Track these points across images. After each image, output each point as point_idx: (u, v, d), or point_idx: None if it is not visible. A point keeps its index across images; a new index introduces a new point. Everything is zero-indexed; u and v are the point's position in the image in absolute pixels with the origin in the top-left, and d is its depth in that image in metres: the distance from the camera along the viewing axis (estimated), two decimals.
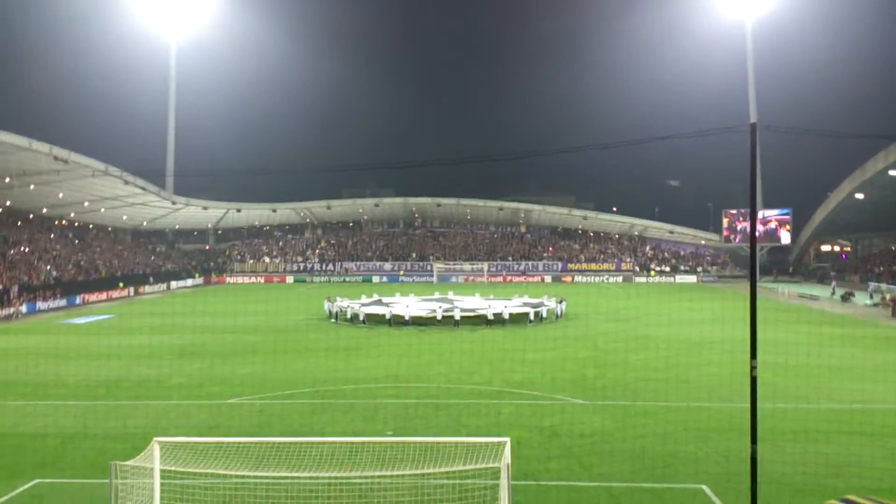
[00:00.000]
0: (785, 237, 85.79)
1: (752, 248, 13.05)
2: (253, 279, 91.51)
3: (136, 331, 40.14)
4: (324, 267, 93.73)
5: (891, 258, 73.63)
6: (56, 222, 79.16)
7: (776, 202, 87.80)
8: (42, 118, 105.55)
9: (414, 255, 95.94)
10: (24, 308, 50.66)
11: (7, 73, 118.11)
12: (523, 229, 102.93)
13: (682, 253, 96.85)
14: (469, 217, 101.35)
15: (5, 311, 49.14)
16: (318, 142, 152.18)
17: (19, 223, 72.27)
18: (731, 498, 13.64)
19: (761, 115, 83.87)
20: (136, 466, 11.92)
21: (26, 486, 14.70)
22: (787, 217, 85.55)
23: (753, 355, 11.76)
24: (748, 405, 11.77)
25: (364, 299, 49.21)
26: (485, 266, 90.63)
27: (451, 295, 53.83)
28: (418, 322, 41.42)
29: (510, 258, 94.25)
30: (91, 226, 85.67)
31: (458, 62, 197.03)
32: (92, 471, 15.31)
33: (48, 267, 62.53)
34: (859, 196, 66.92)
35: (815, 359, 27.99)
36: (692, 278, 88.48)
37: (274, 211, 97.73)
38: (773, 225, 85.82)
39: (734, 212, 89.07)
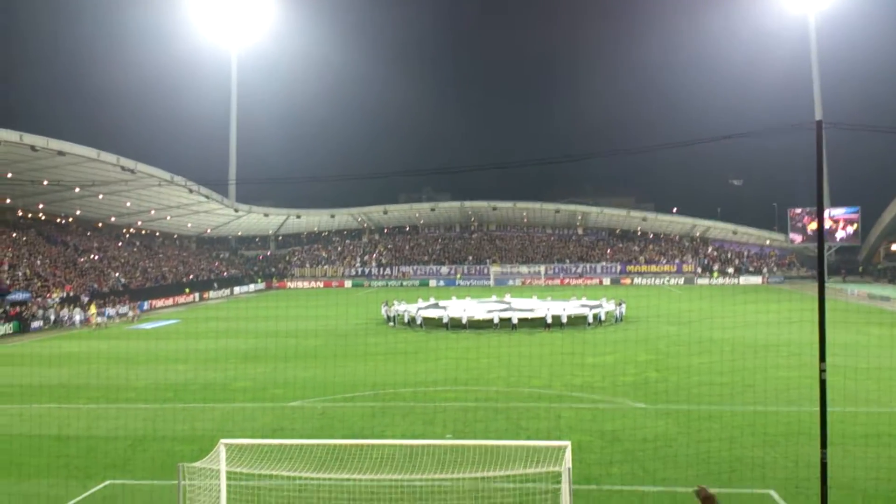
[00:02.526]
0: (852, 236, 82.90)
1: (820, 247, 12.68)
2: (312, 284, 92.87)
3: (202, 335, 41.18)
4: (381, 271, 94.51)
5: None
6: (124, 230, 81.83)
7: (844, 200, 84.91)
8: (110, 130, 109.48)
9: (470, 258, 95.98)
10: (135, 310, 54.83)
11: (76, 86, 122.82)
12: (581, 231, 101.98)
13: (746, 254, 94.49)
14: (525, 220, 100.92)
15: (128, 313, 53.79)
16: (374, 147, 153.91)
17: (89, 232, 74.97)
18: (800, 503, 13.26)
19: (826, 112, 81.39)
20: (203, 468, 12.21)
21: (98, 487, 15.22)
22: (856, 216, 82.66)
23: (823, 358, 11.42)
24: (816, 409, 11.44)
25: (421, 303, 49.46)
26: (542, 269, 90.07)
27: (507, 297, 53.68)
28: (476, 325, 41.41)
29: (567, 260, 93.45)
30: (157, 233, 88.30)
31: (514, 65, 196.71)
32: (161, 472, 15.77)
33: (117, 274, 64.66)
34: None
35: (886, 361, 27.01)
36: (757, 279, 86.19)
37: (332, 217, 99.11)
38: (840, 224, 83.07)
39: (800, 211, 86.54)
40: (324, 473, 12.90)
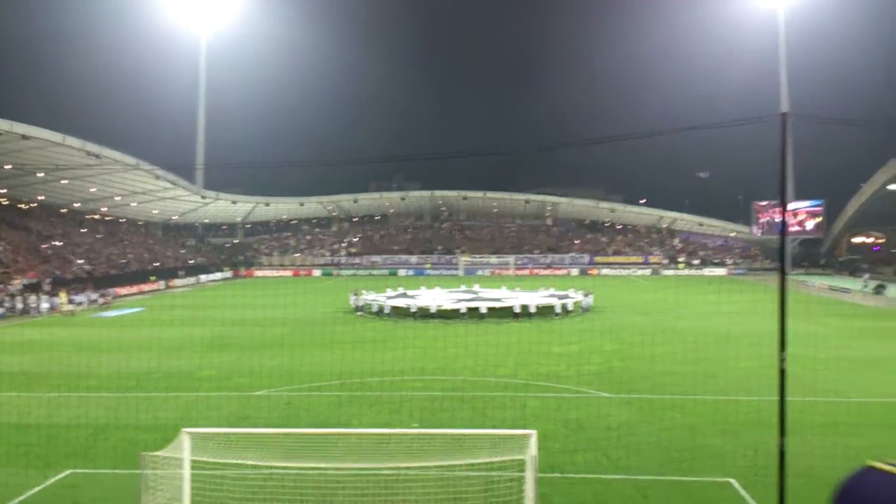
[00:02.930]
0: (815, 229, 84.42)
1: (783, 240, 12.91)
2: (280, 273, 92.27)
3: (166, 323, 40.71)
4: (350, 260, 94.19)
5: None
6: (88, 217, 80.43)
7: (808, 194, 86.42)
8: (75, 114, 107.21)
9: (440, 248, 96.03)
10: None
11: (40, 70, 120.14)
12: (550, 222, 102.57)
13: (711, 245, 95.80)
14: (495, 210, 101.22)
15: (98, 300, 53.36)
16: (344, 136, 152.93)
17: (52, 218, 73.58)
18: (759, 491, 13.52)
19: (793, 106, 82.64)
20: (166, 457, 12.10)
21: (59, 477, 15.01)
22: (819, 209, 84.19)
23: (783, 348, 11.64)
24: (776, 398, 11.64)
25: (389, 292, 49.40)
26: (511, 259, 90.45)
27: (476, 287, 53.84)
28: (444, 315, 41.49)
29: (536, 251, 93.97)
30: (122, 220, 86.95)
31: (484, 55, 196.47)
32: (123, 461, 15.59)
33: (80, 261, 63.58)
34: (893, 187, 65.69)
35: (845, 352, 27.66)
36: (722, 271, 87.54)
37: (301, 205, 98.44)
38: (803, 217, 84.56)
39: (764, 203, 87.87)
40: (289, 463, 12.84)
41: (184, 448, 12.01)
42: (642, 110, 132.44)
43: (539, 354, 28.62)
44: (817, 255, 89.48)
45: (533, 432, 11.77)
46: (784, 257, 12.71)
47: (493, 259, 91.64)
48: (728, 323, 36.97)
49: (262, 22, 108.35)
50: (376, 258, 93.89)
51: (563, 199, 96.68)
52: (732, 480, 14.28)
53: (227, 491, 13.14)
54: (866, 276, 66.00)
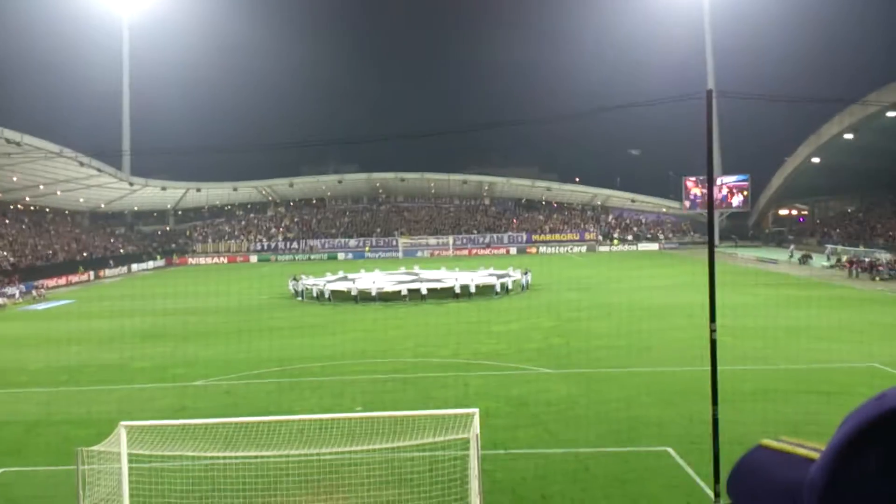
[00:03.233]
0: (742, 203, 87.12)
1: (710, 214, 13.27)
2: (216, 259, 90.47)
3: (97, 315, 39.53)
4: (288, 245, 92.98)
5: (847, 220, 75.39)
6: (11, 206, 77.24)
7: (735, 169, 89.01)
8: None
9: (379, 230, 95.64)
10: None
11: None
12: (487, 202, 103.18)
13: (643, 221, 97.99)
14: (433, 191, 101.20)
15: (32, 293, 52.07)
16: (277, 118, 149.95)
17: None
18: (695, 459, 13.99)
19: (719, 84, 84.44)
20: (103, 451, 11.82)
21: None
22: (746, 183, 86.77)
23: (713, 319, 12.00)
24: (709, 368, 12.03)
25: (329, 276, 49.02)
26: (450, 240, 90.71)
27: (416, 269, 53.88)
28: (385, 297, 41.42)
29: (475, 231, 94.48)
30: (47, 209, 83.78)
31: (417, 35, 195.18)
32: (58, 458, 15.13)
33: (4, 252, 61.13)
34: (815, 160, 68.20)
35: (773, 321, 28.71)
36: (654, 246, 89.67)
37: (235, 190, 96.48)
38: (731, 191, 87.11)
39: (693, 179, 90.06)
40: (231, 452, 12.70)
41: (121, 442, 11.75)
42: (574, 90, 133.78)
43: (480, 334, 28.89)
44: (745, 227, 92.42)
45: (475, 411, 11.90)
46: (712, 231, 13.08)
47: (433, 240, 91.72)
48: (662, 296, 37.98)
49: (188, 2, 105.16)
50: (314, 242, 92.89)
51: (499, 179, 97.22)
52: (669, 449, 14.73)
53: (168, 484, 12.91)
54: (792, 246, 68.57)
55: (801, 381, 19.71)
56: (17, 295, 49.91)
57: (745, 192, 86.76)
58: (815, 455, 1.02)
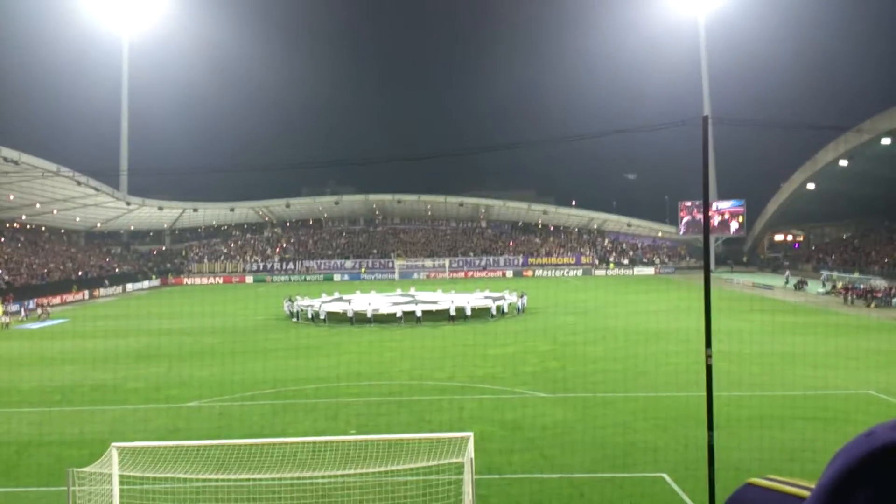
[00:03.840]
0: (738, 228, 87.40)
1: (706, 239, 13.30)
2: (211, 280, 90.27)
3: (91, 335, 39.33)
4: (284, 266, 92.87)
5: (842, 247, 75.61)
6: (7, 225, 77.13)
7: (731, 194, 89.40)
8: None
9: (375, 252, 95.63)
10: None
11: None
12: (484, 224, 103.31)
13: (639, 245, 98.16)
14: (430, 213, 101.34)
15: (37, 311, 51.98)
16: (276, 139, 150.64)
17: None
18: (691, 485, 13.90)
19: (715, 110, 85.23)
20: (95, 473, 11.72)
21: None
22: (741, 209, 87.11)
23: (708, 344, 12.00)
24: (704, 394, 12.00)
25: (325, 297, 48.92)
26: (446, 262, 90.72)
27: (412, 291, 53.81)
28: (380, 319, 41.32)
29: (471, 253, 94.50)
30: (43, 228, 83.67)
31: (417, 59, 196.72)
32: (49, 478, 15.00)
33: (0, 271, 60.96)
34: (811, 186, 68.54)
35: (769, 347, 28.69)
36: (650, 270, 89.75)
37: (232, 210, 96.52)
38: (727, 216, 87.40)
39: (689, 204, 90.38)
40: (223, 474, 12.58)
41: (112, 463, 11.65)
42: (571, 115, 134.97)
43: (475, 357, 28.80)
44: (740, 253, 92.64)
45: (470, 434, 11.83)
46: (708, 256, 13.11)
47: (429, 262, 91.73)
48: (657, 321, 37.95)
49: (188, 23, 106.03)
50: (310, 263, 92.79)
51: (496, 202, 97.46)
52: (665, 475, 14.64)
53: None
54: (787, 272, 68.66)
55: (798, 408, 19.64)
56: (22, 313, 50.25)
57: (741, 218, 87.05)
58: (805, 493, 1.01)
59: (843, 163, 59.37)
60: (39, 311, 52.02)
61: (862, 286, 51.08)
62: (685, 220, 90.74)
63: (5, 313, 46.82)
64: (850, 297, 49.02)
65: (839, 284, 54.91)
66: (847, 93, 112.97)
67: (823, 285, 57.93)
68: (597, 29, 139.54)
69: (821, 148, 62.87)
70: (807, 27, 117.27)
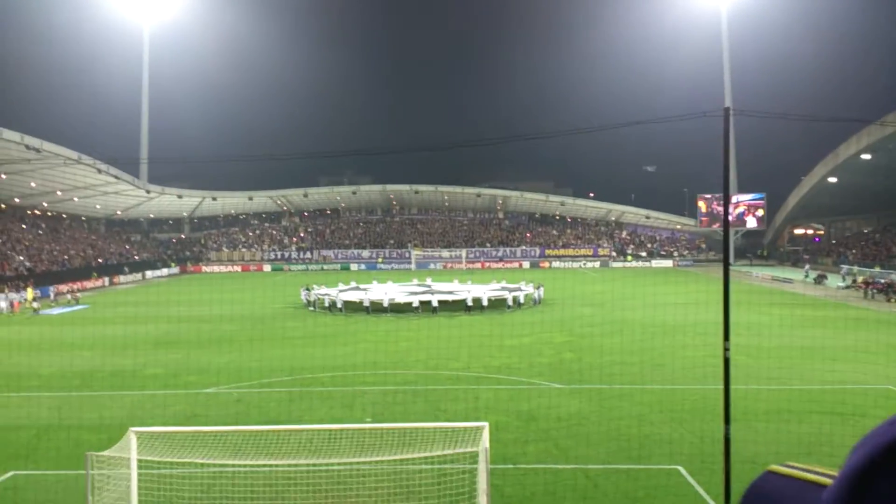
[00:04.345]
0: (757, 222, 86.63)
1: (725, 232, 13.20)
2: (229, 268, 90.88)
3: (111, 321, 39.75)
4: (301, 255, 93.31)
5: (863, 241, 74.76)
6: (29, 212, 77.99)
7: (751, 187, 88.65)
8: (13, 106, 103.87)
9: (392, 242, 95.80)
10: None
11: None
12: (501, 215, 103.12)
13: (658, 238, 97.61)
14: (447, 204, 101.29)
15: (67, 296, 53.14)
16: (294, 129, 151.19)
17: None
18: (706, 478, 13.85)
19: (736, 101, 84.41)
20: (113, 457, 11.84)
21: (2, 479, 14.58)
22: (762, 201, 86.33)
23: (727, 337, 11.92)
24: (721, 387, 11.94)
25: (341, 287, 49.08)
26: (463, 252, 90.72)
27: (429, 281, 53.88)
28: (396, 309, 41.43)
29: (488, 244, 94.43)
30: (64, 215, 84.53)
31: (435, 49, 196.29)
32: (68, 462, 15.20)
33: (21, 257, 61.68)
34: (832, 180, 67.76)
35: (787, 340, 28.45)
36: (668, 263, 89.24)
37: (250, 199, 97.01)
38: (746, 209, 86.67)
39: (709, 196, 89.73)
40: (239, 460, 12.70)
41: (131, 447, 11.77)
42: (590, 106, 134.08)
43: (491, 347, 28.80)
44: (760, 246, 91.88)
45: (485, 424, 11.84)
46: (727, 249, 13.02)
47: (446, 253, 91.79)
48: (675, 313, 37.71)
49: (208, 13, 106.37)
50: (328, 253, 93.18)
51: (513, 193, 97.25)
52: (680, 467, 14.59)
53: (176, 490, 12.93)
54: (807, 266, 68.02)
55: (815, 402, 19.50)
56: (52, 297, 51.51)
57: (762, 211, 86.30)
58: (826, 481, 1.00)
59: (866, 156, 58.61)
60: (69, 296, 52.95)
61: (882, 281, 50.49)
62: (704, 212, 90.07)
63: (35, 299, 47.49)
64: (870, 292, 48.49)
65: (859, 279, 54.30)
66: (869, 86, 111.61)
67: (843, 279, 57.33)
68: (619, 20, 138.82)
69: (843, 141, 62.09)
70: (830, 20, 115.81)
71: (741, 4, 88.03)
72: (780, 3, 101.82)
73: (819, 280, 59.21)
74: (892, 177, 63.10)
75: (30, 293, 48.13)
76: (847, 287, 54.59)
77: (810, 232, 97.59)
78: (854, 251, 71.56)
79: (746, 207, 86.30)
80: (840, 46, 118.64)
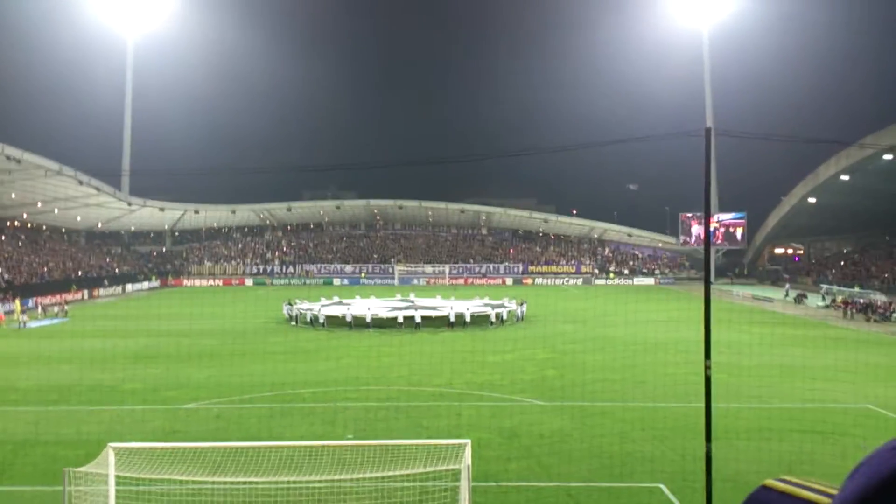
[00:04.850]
0: (738, 240, 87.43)
1: (706, 250, 13.31)
2: (211, 282, 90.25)
3: (90, 334, 39.26)
4: (284, 269, 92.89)
5: (842, 261, 75.58)
6: (8, 224, 77.16)
7: (732, 206, 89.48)
8: None
9: (375, 257, 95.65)
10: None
11: None
12: (484, 231, 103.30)
13: (640, 255, 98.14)
14: (431, 219, 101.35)
15: (55, 309, 52.89)
16: (278, 143, 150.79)
17: None
18: (688, 496, 13.88)
19: (718, 122, 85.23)
20: (91, 473, 11.70)
21: None
22: (742, 221, 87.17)
23: (708, 355, 11.99)
24: (703, 405, 11.99)
25: (324, 301, 48.89)
26: (446, 268, 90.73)
27: (412, 296, 53.79)
28: (379, 324, 41.30)
29: (471, 260, 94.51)
30: (44, 227, 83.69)
31: (419, 65, 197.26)
32: (45, 478, 14.97)
33: (0, 269, 60.94)
34: (812, 200, 68.56)
35: (768, 359, 28.66)
36: (650, 280, 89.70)
37: (233, 212, 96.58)
38: (727, 228, 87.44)
39: (690, 215, 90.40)
40: (219, 477, 12.57)
41: (109, 463, 11.63)
42: (574, 124, 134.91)
43: (474, 363, 28.77)
44: (741, 265, 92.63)
45: (467, 441, 11.82)
46: (708, 268, 13.12)
47: (429, 268, 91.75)
48: (657, 331, 37.91)
49: (192, 25, 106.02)
50: (311, 267, 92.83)
51: (497, 209, 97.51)
52: (662, 485, 14.61)
53: None
54: (787, 285, 68.59)
55: (796, 421, 19.61)
56: (39, 310, 51.12)
57: (742, 230, 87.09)
58: (823, 500, 0.99)
59: (845, 177, 59.42)
60: (57, 308, 52.69)
61: (862, 300, 51.04)
62: (686, 231, 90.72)
63: (23, 311, 46.81)
64: (849, 312, 48.98)
65: (839, 298, 54.84)
66: (849, 108, 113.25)
67: (823, 299, 57.87)
68: (601, 39, 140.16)
69: (822, 162, 62.93)
70: (811, 42, 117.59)
71: (722, 25, 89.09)
72: (761, 25, 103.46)
73: (799, 299, 59.73)
74: (870, 197, 64.00)
75: (17, 306, 47.47)
76: (827, 306, 55.10)
77: (790, 251, 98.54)
78: (833, 271, 72.32)
79: (727, 226, 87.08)
80: (821, 69, 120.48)
